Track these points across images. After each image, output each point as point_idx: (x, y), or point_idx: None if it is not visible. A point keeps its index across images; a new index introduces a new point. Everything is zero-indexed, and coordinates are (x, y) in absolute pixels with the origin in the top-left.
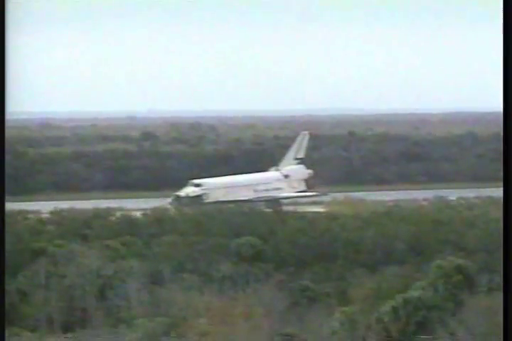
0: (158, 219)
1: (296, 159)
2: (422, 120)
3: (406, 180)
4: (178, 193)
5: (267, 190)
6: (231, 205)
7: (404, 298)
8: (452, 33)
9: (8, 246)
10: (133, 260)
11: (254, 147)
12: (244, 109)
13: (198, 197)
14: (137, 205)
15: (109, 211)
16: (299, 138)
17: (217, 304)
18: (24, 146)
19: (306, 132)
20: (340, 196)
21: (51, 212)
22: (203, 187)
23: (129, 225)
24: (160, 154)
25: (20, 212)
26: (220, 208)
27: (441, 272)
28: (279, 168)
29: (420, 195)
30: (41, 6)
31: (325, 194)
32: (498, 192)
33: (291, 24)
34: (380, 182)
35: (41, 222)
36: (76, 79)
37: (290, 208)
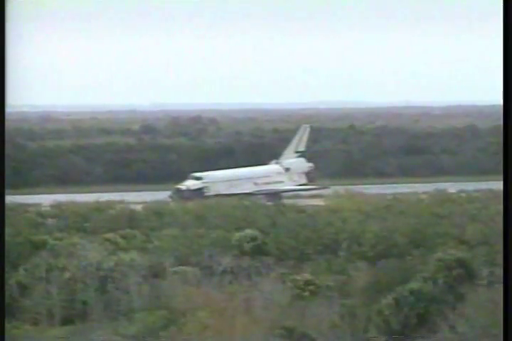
0: (158, 212)
1: (297, 152)
2: (422, 113)
3: (406, 173)
4: (178, 186)
5: (267, 183)
6: (232, 198)
7: (405, 290)
8: (454, 26)
9: (8, 239)
10: (133, 253)
11: (254, 140)
12: (245, 102)
13: (199, 190)
14: (138, 198)
15: (109, 204)
16: (299, 131)
17: (218, 297)
18: (24, 139)
19: (307, 125)
20: (340, 189)
21: (51, 205)
22: (203, 181)
23: (129, 218)
24: (160, 147)
25: (21, 205)
26: (220, 201)
27: (441, 265)
28: (280, 161)
29: (420, 188)
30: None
31: (325, 187)
32: (498, 185)
33: (292, 18)
34: (381, 175)
35: (41, 215)
36: (77, 72)
37: (291, 201)
